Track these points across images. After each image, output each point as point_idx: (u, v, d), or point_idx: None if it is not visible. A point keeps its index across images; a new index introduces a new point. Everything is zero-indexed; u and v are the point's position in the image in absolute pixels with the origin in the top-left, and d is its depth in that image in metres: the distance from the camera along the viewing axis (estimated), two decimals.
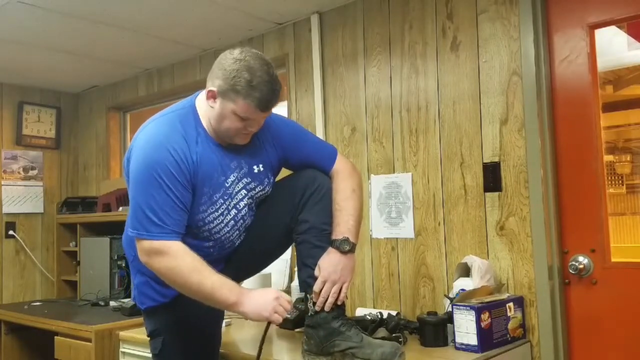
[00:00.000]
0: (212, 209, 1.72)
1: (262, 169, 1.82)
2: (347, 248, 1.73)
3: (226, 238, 1.79)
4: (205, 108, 1.72)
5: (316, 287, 1.72)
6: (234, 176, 1.75)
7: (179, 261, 1.61)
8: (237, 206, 1.77)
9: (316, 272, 1.73)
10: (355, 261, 1.79)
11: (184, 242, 1.66)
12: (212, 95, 1.69)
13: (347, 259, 1.74)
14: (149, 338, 1.88)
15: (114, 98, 4.19)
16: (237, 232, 1.81)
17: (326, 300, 1.71)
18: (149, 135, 1.69)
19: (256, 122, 1.70)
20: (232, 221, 1.78)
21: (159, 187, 1.61)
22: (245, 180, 1.78)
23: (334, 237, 1.75)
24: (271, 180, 1.86)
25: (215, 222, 1.74)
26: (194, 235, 1.72)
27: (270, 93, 1.65)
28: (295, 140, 1.89)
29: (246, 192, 1.79)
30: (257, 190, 1.81)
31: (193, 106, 1.76)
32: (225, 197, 1.74)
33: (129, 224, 1.67)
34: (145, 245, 1.63)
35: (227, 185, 1.74)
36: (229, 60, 1.67)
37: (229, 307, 1.66)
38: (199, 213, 1.70)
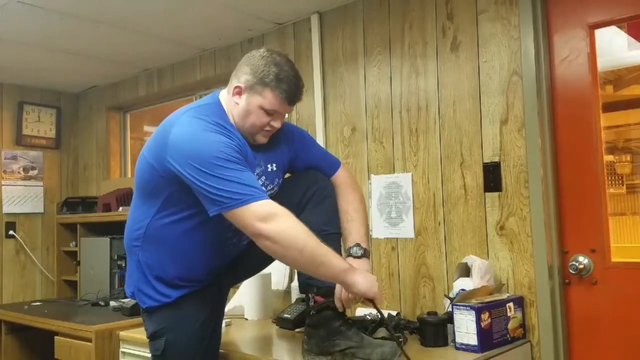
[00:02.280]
0: None
1: (275, 168, 1.84)
2: (360, 253, 1.77)
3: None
4: (229, 105, 1.74)
5: (337, 292, 1.73)
6: (255, 172, 1.77)
7: (295, 220, 1.55)
8: None
9: None
10: (370, 265, 1.81)
11: (206, 228, 1.66)
12: (238, 92, 1.72)
13: (360, 262, 1.75)
14: (149, 340, 1.87)
15: (114, 98, 4.19)
16: None
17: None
18: (189, 127, 1.64)
19: (280, 117, 1.74)
20: None
21: (232, 163, 1.57)
22: (264, 177, 1.81)
23: (347, 245, 1.79)
24: (280, 181, 1.88)
25: None
26: (218, 221, 1.64)
27: (296, 87, 1.73)
28: (304, 144, 1.94)
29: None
30: (268, 188, 1.83)
31: (218, 102, 1.77)
32: None
33: (220, 203, 1.54)
34: (255, 210, 1.52)
35: None
36: (256, 57, 1.72)
37: (340, 274, 1.60)
38: None
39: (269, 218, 1.52)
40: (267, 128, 1.73)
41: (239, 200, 1.52)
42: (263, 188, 1.63)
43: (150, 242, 1.77)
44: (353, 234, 1.80)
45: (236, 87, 1.72)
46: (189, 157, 1.57)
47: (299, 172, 1.91)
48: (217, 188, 1.54)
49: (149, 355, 1.90)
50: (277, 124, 1.74)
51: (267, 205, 1.54)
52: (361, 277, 1.61)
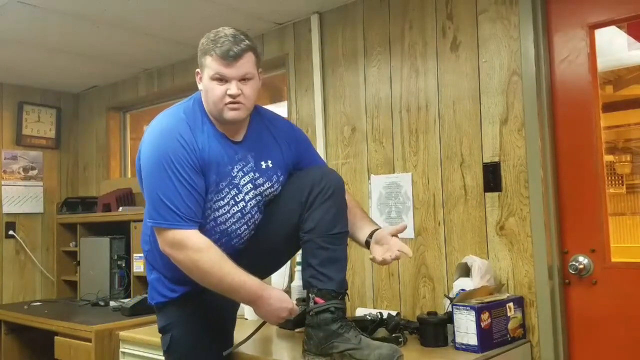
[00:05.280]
0: (217, 197, 1.74)
1: (270, 165, 1.83)
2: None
3: (233, 231, 1.79)
4: (203, 96, 1.77)
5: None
6: (237, 168, 1.77)
7: (202, 255, 1.65)
8: (244, 199, 1.78)
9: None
10: None
11: None
12: (199, 77, 1.77)
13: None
14: (160, 334, 1.90)
15: (114, 98, 4.19)
16: (246, 227, 1.81)
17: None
18: (155, 127, 1.75)
19: (232, 81, 1.69)
20: (239, 214, 1.78)
21: (172, 175, 1.64)
22: (252, 174, 1.79)
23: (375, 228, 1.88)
24: (281, 179, 1.86)
25: (220, 211, 1.75)
26: (200, 226, 1.71)
27: (230, 43, 1.68)
28: (306, 146, 1.98)
29: (252, 187, 1.79)
30: (265, 186, 1.82)
31: (198, 98, 1.81)
32: (231, 187, 1.75)
33: (147, 215, 1.70)
34: (167, 236, 1.65)
35: (232, 175, 1.76)
36: (203, 38, 1.76)
37: (249, 302, 1.77)
38: (206, 201, 1.72)
39: (175, 247, 1.65)
40: (227, 99, 1.69)
41: (154, 222, 1.67)
42: (192, 212, 1.66)
43: (155, 243, 1.78)
44: (365, 226, 1.89)
45: (197, 73, 1.78)
46: (142, 159, 1.72)
47: (303, 170, 1.90)
48: (149, 199, 1.69)
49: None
50: (233, 91, 1.68)
51: (177, 235, 1.65)
52: (260, 311, 1.74)
